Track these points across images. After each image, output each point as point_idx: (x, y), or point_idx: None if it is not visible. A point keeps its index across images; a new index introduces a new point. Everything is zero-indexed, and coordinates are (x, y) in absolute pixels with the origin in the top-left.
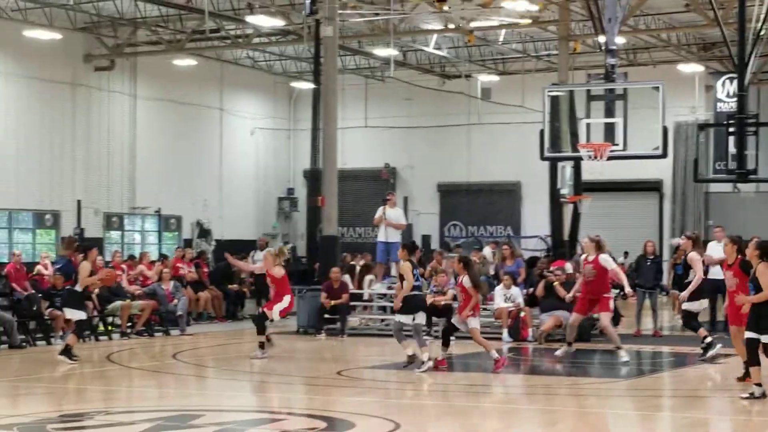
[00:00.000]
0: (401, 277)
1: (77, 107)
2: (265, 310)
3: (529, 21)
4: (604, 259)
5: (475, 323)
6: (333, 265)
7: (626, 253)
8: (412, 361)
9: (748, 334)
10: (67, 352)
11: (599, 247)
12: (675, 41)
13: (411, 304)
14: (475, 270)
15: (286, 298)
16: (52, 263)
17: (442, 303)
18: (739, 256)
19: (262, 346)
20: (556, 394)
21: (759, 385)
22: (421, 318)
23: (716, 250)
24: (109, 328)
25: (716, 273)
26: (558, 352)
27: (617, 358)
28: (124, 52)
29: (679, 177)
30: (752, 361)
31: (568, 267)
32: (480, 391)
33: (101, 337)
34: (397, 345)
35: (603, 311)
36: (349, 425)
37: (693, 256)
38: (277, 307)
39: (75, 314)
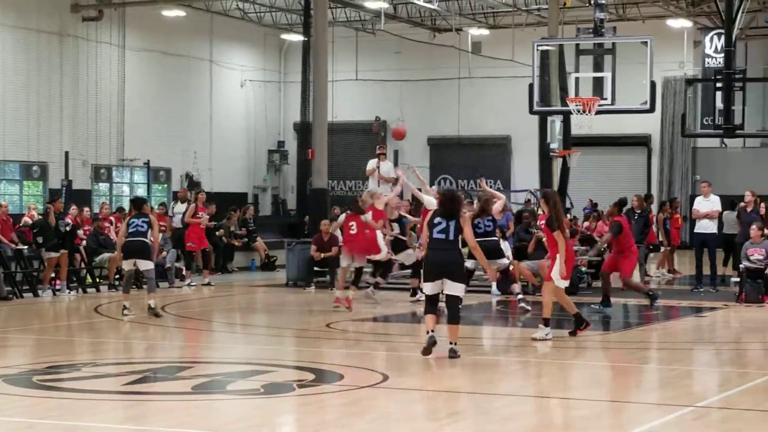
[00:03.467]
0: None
1: (65, 58)
2: None
3: None
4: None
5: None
6: (323, 218)
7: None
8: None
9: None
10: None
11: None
12: None
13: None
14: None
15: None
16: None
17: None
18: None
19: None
20: (541, 348)
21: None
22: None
23: (703, 204)
24: (97, 280)
25: (702, 227)
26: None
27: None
28: (112, 2)
29: (667, 132)
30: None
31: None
32: (467, 344)
33: (89, 289)
34: (388, 299)
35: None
36: (337, 377)
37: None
38: None
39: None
